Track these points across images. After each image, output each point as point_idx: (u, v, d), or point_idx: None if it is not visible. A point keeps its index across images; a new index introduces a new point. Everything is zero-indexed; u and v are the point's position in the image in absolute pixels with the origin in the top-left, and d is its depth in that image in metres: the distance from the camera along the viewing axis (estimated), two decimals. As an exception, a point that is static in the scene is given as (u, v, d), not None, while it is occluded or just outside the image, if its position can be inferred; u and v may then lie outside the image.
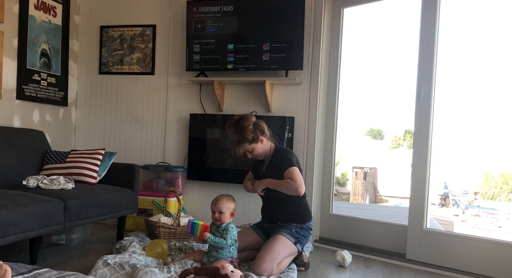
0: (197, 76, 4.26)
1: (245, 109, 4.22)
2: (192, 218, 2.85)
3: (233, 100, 4.30)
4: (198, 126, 4.29)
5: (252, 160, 3.33)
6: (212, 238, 2.81)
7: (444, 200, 7.47)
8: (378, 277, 3.09)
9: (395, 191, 8.51)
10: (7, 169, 3.34)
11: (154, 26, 4.51)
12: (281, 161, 3.09)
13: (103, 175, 3.71)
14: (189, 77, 4.30)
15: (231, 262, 2.79)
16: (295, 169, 3.03)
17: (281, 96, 4.15)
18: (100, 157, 3.68)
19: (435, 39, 3.46)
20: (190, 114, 4.33)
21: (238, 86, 4.29)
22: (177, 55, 4.46)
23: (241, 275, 2.52)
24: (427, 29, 3.49)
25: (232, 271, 2.50)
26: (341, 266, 3.32)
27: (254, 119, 3.17)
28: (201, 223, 2.81)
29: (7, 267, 0.82)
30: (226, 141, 4.20)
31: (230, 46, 4.11)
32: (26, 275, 2.42)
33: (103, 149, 3.76)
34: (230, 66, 4.11)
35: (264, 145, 3.16)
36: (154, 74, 4.53)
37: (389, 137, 8.79)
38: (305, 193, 3.11)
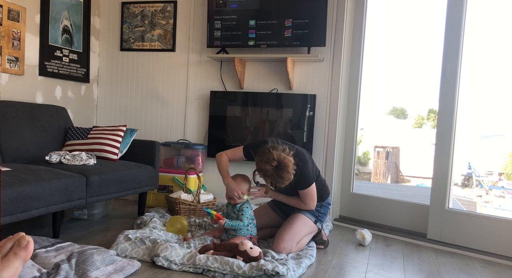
0: (218, 53, 4.23)
1: (266, 87, 4.19)
2: (205, 207, 2.87)
3: (254, 78, 4.26)
4: (218, 103, 4.27)
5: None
6: (229, 222, 2.81)
7: (468, 180, 7.35)
8: (398, 256, 3.06)
9: (418, 171, 8.41)
10: (30, 144, 3.38)
11: (175, 2, 4.47)
12: (300, 175, 2.82)
13: (124, 151, 3.74)
14: (210, 54, 4.27)
15: (250, 239, 2.79)
16: (311, 190, 2.88)
17: (303, 74, 4.10)
18: (122, 134, 3.70)
19: (462, 15, 3.35)
20: (211, 91, 4.31)
21: (259, 63, 4.25)
22: (198, 32, 4.42)
23: (260, 251, 2.53)
24: (454, 4, 3.38)
25: (251, 248, 2.51)
26: (360, 244, 3.31)
27: (292, 163, 2.73)
28: (214, 212, 2.80)
29: (29, 239, 0.82)
30: (246, 119, 4.18)
31: (252, 22, 4.05)
32: (49, 248, 2.47)
33: (125, 126, 3.77)
34: (251, 43, 4.06)
35: None
36: (175, 51, 4.51)
37: (413, 116, 8.64)
38: (319, 172, 3.09)
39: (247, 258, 2.47)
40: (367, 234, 3.31)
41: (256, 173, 2.89)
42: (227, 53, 4.20)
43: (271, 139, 2.91)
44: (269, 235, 3.18)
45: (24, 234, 0.83)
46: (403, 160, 8.55)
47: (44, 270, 2.18)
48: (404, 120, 8.62)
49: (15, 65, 3.63)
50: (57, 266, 2.22)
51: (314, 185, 2.90)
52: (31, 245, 0.82)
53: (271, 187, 2.93)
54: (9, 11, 3.54)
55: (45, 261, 2.29)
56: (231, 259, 2.43)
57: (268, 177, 2.77)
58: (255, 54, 4.10)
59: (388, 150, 8.46)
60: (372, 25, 4.09)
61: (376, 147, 8.53)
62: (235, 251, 2.53)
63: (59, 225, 2.97)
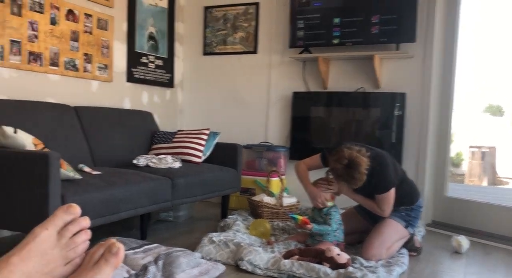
0: (300, 53, 4.15)
1: (351, 86, 4.04)
2: (291, 213, 2.82)
3: (339, 77, 4.13)
4: (301, 104, 4.19)
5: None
6: (316, 227, 2.71)
7: None
8: (499, 266, 2.81)
9: (517, 173, 7.82)
10: (119, 148, 3.50)
11: (257, 4, 4.45)
12: (378, 179, 2.70)
13: (207, 154, 3.76)
14: (292, 54, 4.20)
15: (337, 245, 2.68)
16: (388, 196, 2.71)
17: (391, 71, 3.91)
18: (205, 137, 3.72)
19: None
20: (293, 92, 4.24)
21: (344, 62, 4.11)
22: (280, 33, 4.37)
23: (348, 258, 2.41)
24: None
25: (338, 254, 2.40)
26: (456, 252, 3.07)
27: (366, 163, 2.62)
28: (300, 217, 2.71)
29: (120, 245, 0.80)
30: (330, 120, 4.06)
31: (336, 20, 3.93)
32: (137, 250, 2.51)
33: (208, 129, 3.80)
34: (335, 41, 3.94)
35: None
36: (256, 53, 4.49)
37: (510, 113, 8.05)
38: (405, 173, 2.92)
39: (334, 265, 2.37)
40: (463, 241, 3.07)
41: (329, 173, 2.80)
42: (310, 52, 4.11)
43: (350, 142, 2.78)
44: (357, 241, 3.04)
45: (114, 240, 0.83)
46: (500, 160, 7.99)
47: (133, 272, 2.21)
48: (500, 118, 8.05)
49: (104, 72, 3.78)
50: (144, 268, 2.24)
51: (393, 190, 2.72)
52: (122, 252, 0.81)
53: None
54: (98, 20, 3.68)
55: (133, 262, 2.32)
56: (317, 266, 2.34)
57: (340, 176, 2.66)
58: (340, 53, 3.97)
59: (484, 150, 7.95)
60: (466, 17, 3.81)
61: (470, 147, 8.04)
62: (321, 257, 2.44)
63: (146, 226, 3.04)
